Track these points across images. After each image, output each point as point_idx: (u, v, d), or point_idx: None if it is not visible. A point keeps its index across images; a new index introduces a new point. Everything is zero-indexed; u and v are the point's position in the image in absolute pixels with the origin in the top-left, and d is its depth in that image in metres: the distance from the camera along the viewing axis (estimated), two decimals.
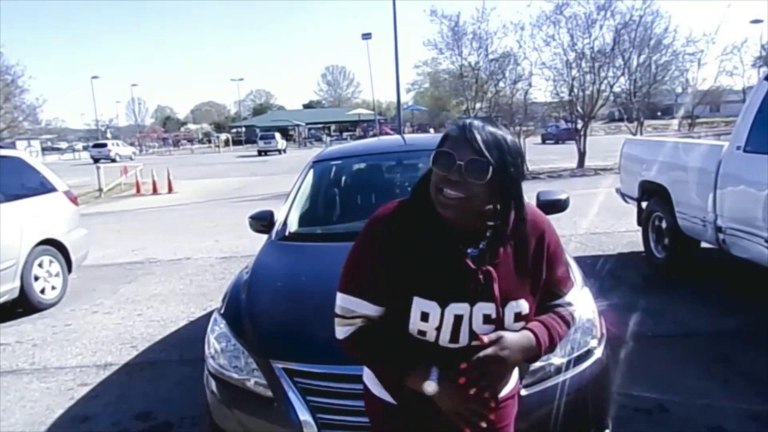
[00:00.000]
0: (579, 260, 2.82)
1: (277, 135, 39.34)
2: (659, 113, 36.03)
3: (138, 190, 16.28)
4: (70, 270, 5.72)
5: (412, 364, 1.21)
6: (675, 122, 22.93)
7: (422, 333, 1.21)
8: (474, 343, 1.19)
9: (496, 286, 1.19)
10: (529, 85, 17.78)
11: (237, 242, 7.58)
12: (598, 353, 2.11)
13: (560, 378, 1.97)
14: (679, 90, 20.95)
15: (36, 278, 5.20)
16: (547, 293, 1.31)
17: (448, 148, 1.16)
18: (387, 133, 28.87)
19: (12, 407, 3.34)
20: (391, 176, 3.87)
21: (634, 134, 15.44)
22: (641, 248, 5.72)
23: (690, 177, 4.67)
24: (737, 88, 23.61)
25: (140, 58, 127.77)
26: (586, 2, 15.95)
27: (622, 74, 17.02)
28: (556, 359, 2.00)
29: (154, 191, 16.02)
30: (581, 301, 2.25)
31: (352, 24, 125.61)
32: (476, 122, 1.18)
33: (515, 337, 1.19)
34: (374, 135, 30.66)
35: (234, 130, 62.78)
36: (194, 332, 4.23)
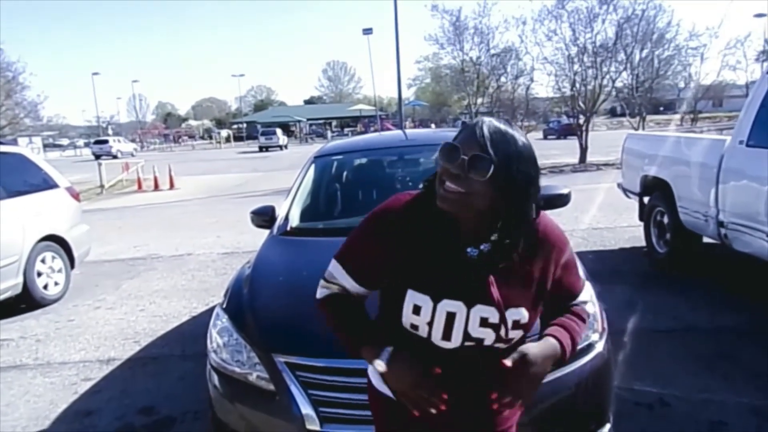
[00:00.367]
0: (580, 255, 2.80)
1: (279, 131, 39.33)
2: (662, 108, 35.91)
3: (139, 187, 16.30)
4: (72, 266, 5.73)
5: (368, 339, 1.25)
6: (677, 117, 22.87)
7: (415, 327, 1.21)
8: (467, 344, 1.19)
9: (494, 290, 1.17)
10: (531, 80, 17.80)
11: (239, 238, 7.59)
12: (600, 347, 2.11)
13: (561, 372, 1.97)
14: (681, 85, 20.86)
15: (39, 274, 5.22)
16: (560, 299, 1.32)
17: (458, 142, 1.15)
18: (388, 129, 28.84)
19: (16, 402, 3.36)
20: (392, 171, 3.87)
21: (637, 129, 15.40)
22: (643, 243, 5.72)
23: (692, 172, 4.66)
24: (740, 83, 23.52)
25: (141, 54, 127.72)
26: None
27: (625, 69, 16.98)
28: None
29: (156, 187, 16.03)
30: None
31: (353, 19, 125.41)
32: (491, 120, 1.16)
33: (539, 350, 1.20)
34: (375, 131, 30.64)
35: (235, 126, 62.73)
36: (196, 327, 4.25)
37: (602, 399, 2.14)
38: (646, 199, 5.66)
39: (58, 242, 5.51)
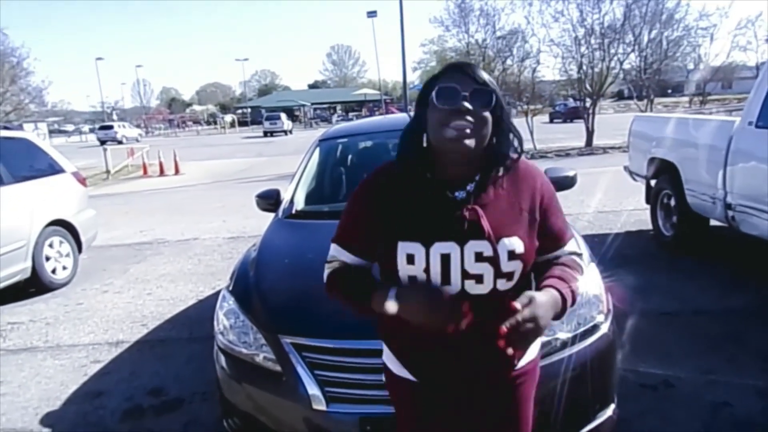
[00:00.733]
0: (587, 238, 2.80)
1: (283, 115, 39.18)
2: (670, 91, 35.45)
3: (145, 172, 16.33)
4: (80, 250, 5.78)
5: (374, 289, 1.24)
6: (685, 99, 22.58)
7: (413, 280, 1.22)
8: (469, 288, 1.19)
9: (484, 222, 1.19)
10: (537, 62, 17.50)
11: (244, 222, 7.61)
12: (605, 328, 2.11)
13: (566, 352, 1.98)
14: (690, 66, 20.54)
15: (47, 258, 5.27)
16: (547, 245, 1.30)
17: (450, 84, 1.18)
18: (393, 113, 28.67)
19: (28, 383, 3.42)
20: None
21: (644, 112, 15.23)
22: (649, 226, 5.69)
23: (700, 154, 4.62)
24: (751, 64, 23.13)
25: (145, 39, 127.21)
26: None
27: (632, 51, 16.72)
28: (563, 334, 2.01)
29: (161, 173, 16.07)
30: (588, 277, 2.26)
31: (357, 2, 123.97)
32: (464, 62, 1.26)
33: (544, 298, 1.17)
34: (380, 114, 30.47)
35: (239, 111, 62.60)
36: (203, 311, 4.29)
37: (607, 380, 2.15)
38: (652, 182, 5.63)
39: (65, 227, 5.55)
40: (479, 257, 1.18)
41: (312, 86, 79.29)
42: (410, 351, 1.34)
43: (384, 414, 1.80)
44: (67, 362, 3.69)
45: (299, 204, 3.21)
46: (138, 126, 51.27)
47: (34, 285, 5.17)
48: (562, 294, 1.21)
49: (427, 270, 1.19)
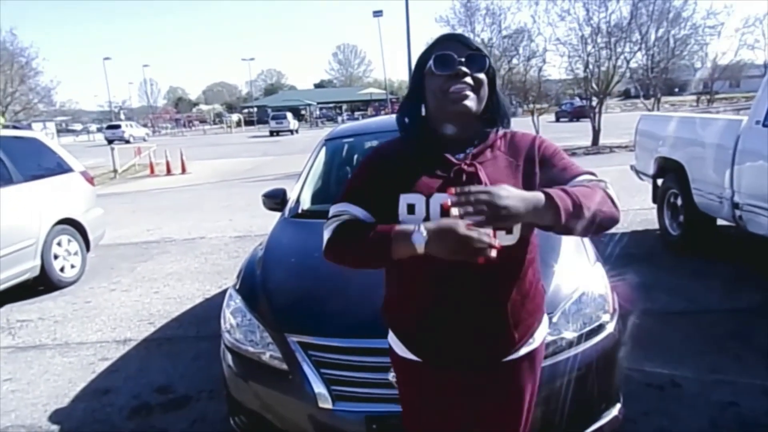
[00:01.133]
0: (593, 237, 2.80)
1: (289, 115, 39.21)
2: (677, 89, 35.21)
3: (152, 171, 16.42)
4: (88, 249, 5.82)
5: (395, 227, 1.17)
6: (692, 98, 22.44)
7: None
8: None
9: (482, 174, 1.23)
10: (543, 61, 17.51)
11: (250, 221, 7.64)
12: (610, 328, 2.11)
13: (572, 352, 1.98)
14: (698, 65, 20.42)
15: (56, 257, 5.31)
16: (559, 178, 1.25)
17: (443, 52, 1.25)
18: None
19: (37, 380, 3.45)
20: None
21: (651, 111, 15.15)
22: (656, 226, 5.67)
23: (707, 153, 4.60)
24: (759, 62, 22.97)
25: (152, 39, 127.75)
26: None
27: (639, 49, 16.65)
28: (568, 333, 2.01)
29: (168, 172, 16.15)
30: (594, 276, 2.26)
31: (362, 2, 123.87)
32: (453, 32, 1.31)
33: (514, 188, 1.11)
34: (386, 114, 30.46)
35: (246, 111, 62.75)
36: (210, 309, 4.31)
37: (612, 380, 2.15)
38: (659, 181, 5.60)
39: (73, 225, 5.59)
40: None
41: (318, 85, 79.37)
42: (415, 330, 1.35)
43: (390, 412, 1.81)
44: (75, 360, 3.72)
45: (305, 203, 3.23)
46: (145, 125, 51.57)
47: (43, 283, 5.22)
48: (550, 195, 1.11)
49: (427, 219, 1.21)
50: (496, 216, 1.06)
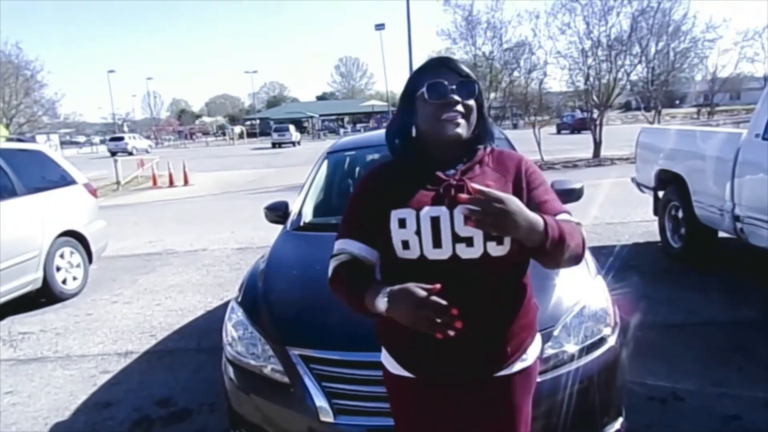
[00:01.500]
0: (594, 250, 2.81)
1: (291, 127, 39.44)
2: (677, 102, 35.39)
3: (154, 183, 16.48)
4: (90, 261, 5.83)
5: (371, 288, 1.23)
6: (693, 110, 22.52)
7: (406, 245, 1.25)
8: (460, 252, 1.23)
9: (470, 185, 1.22)
10: (544, 74, 17.60)
11: (252, 233, 7.66)
12: (612, 341, 2.11)
13: (573, 365, 1.98)
14: (698, 78, 20.54)
15: (58, 269, 5.32)
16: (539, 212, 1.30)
17: (435, 80, 1.29)
18: None
19: (38, 393, 3.45)
20: None
21: (652, 123, 15.20)
22: (657, 238, 5.67)
23: (707, 166, 4.61)
24: (758, 75, 23.07)
25: (155, 52, 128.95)
26: None
27: (639, 62, 16.76)
28: (570, 346, 2.01)
29: (171, 184, 16.20)
30: (595, 290, 2.26)
31: (365, 15, 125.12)
32: (442, 56, 1.37)
33: (523, 206, 1.15)
34: None
35: (248, 123, 63.08)
36: (211, 321, 4.31)
37: (615, 393, 2.14)
38: (660, 194, 5.61)
39: (76, 237, 5.61)
40: (468, 220, 1.20)
41: (320, 98, 79.80)
42: (407, 347, 1.36)
43: (391, 426, 1.81)
44: (76, 372, 3.72)
45: (307, 216, 3.24)
46: (148, 137, 51.76)
47: (45, 295, 5.22)
48: (545, 219, 1.17)
49: (418, 232, 1.24)
50: (499, 223, 1.10)
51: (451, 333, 1.12)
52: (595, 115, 16.34)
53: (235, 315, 2.37)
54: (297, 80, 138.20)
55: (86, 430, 2.96)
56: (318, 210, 3.35)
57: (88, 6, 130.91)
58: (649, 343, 3.34)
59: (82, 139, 59.72)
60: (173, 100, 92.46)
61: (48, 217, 5.27)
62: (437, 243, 1.24)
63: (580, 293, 2.18)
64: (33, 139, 20.29)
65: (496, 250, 1.24)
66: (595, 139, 15.98)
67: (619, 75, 16.36)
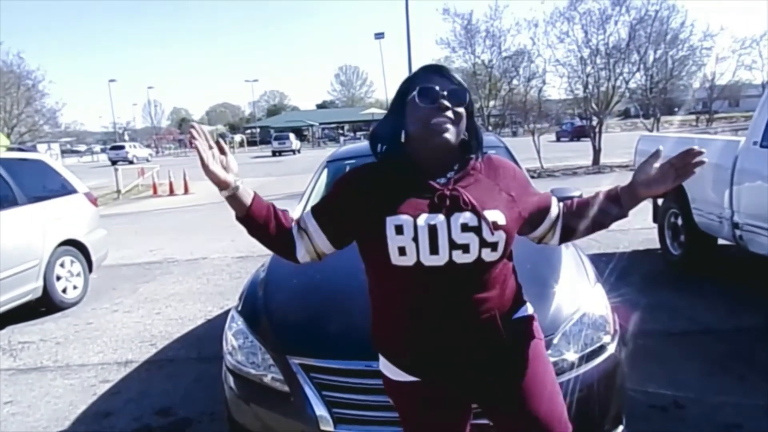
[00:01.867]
0: (594, 258, 2.81)
1: (292, 135, 39.56)
2: (676, 109, 35.51)
3: (155, 191, 16.50)
4: (90, 270, 5.84)
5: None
6: (692, 118, 22.59)
7: (402, 251, 1.26)
8: (456, 258, 1.25)
9: (465, 195, 1.28)
10: (543, 82, 17.70)
11: (253, 242, 7.55)
12: (612, 349, 2.11)
13: (573, 373, 1.98)
14: (696, 85, 20.62)
15: (58, 278, 5.32)
16: (535, 219, 1.46)
17: (427, 86, 1.31)
18: None
19: (37, 403, 3.44)
20: None
21: (651, 131, 15.25)
22: (657, 245, 5.68)
23: (706, 173, 4.62)
24: (756, 83, 23.16)
25: (156, 61, 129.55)
26: None
27: (638, 70, 16.85)
28: (570, 355, 2.02)
29: (171, 192, 16.23)
30: (594, 297, 2.27)
31: (365, 24, 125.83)
32: (434, 64, 1.40)
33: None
34: None
35: (248, 131, 63.23)
36: (212, 330, 4.31)
37: (615, 401, 2.14)
38: (659, 201, 5.62)
39: (76, 246, 5.62)
40: (465, 227, 1.26)
41: (320, 106, 80.00)
42: (405, 351, 1.38)
43: None
44: (76, 382, 3.71)
45: None
46: (148, 146, 51.90)
47: (45, 304, 5.22)
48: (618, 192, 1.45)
49: (415, 239, 1.25)
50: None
51: None
52: (594, 123, 16.39)
53: (236, 324, 2.37)
54: (297, 89, 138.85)
55: None
56: None
57: (90, 16, 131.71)
58: (650, 351, 3.34)
59: (82, 148, 59.79)
60: (174, 109, 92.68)
61: (48, 227, 5.28)
62: (434, 250, 1.25)
63: (579, 301, 2.19)
64: (34, 148, 20.31)
65: (490, 255, 1.28)
66: (594, 147, 16.02)
67: (618, 83, 16.44)
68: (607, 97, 16.29)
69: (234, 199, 1.36)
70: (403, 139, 1.38)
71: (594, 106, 16.32)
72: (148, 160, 36.24)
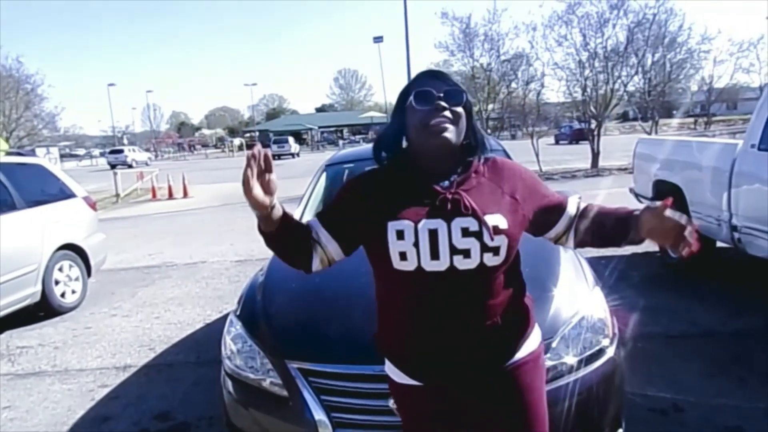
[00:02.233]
0: (592, 261, 2.81)
1: (291, 139, 39.61)
2: (674, 112, 35.59)
3: (154, 195, 16.49)
4: (89, 274, 5.83)
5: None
6: (690, 121, 22.63)
7: (403, 256, 1.26)
8: (457, 264, 1.24)
9: (467, 200, 1.27)
10: (542, 85, 17.72)
11: (252, 246, 7.65)
12: (610, 352, 2.11)
13: (572, 377, 1.98)
14: (694, 88, 20.68)
15: (57, 282, 5.32)
16: (550, 219, 1.41)
17: (423, 88, 1.31)
18: None
19: (35, 408, 3.43)
20: None
21: (649, 133, 15.28)
22: (655, 248, 5.67)
23: (704, 176, 4.64)
24: (754, 86, 23.22)
25: (155, 65, 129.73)
26: (598, 1, 15.88)
27: (636, 73, 16.88)
28: (568, 358, 2.01)
29: (170, 196, 16.21)
30: (593, 301, 2.27)
31: (363, 28, 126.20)
32: (429, 69, 1.40)
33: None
34: None
35: (247, 135, 63.27)
36: (210, 334, 4.30)
37: (614, 404, 2.13)
38: None
39: (75, 251, 5.61)
40: (465, 232, 1.25)
41: (319, 110, 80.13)
42: (409, 355, 1.38)
43: None
44: (74, 387, 3.70)
45: None
46: (148, 150, 51.89)
47: (44, 309, 5.21)
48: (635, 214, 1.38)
49: (416, 244, 1.25)
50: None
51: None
52: (592, 126, 16.42)
53: (234, 328, 2.37)
54: (296, 93, 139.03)
55: None
56: None
57: (89, 20, 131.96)
58: (649, 354, 3.34)
59: (81, 151, 59.86)
60: (173, 113, 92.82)
61: (47, 231, 5.27)
62: (435, 255, 1.25)
63: (578, 304, 2.19)
64: (33, 153, 20.32)
65: (492, 260, 1.27)
66: (593, 150, 16.04)
67: (616, 86, 16.47)
68: (605, 100, 16.32)
69: (265, 217, 1.31)
70: (404, 145, 1.38)
71: (592, 109, 16.35)
72: (147, 164, 36.17)
